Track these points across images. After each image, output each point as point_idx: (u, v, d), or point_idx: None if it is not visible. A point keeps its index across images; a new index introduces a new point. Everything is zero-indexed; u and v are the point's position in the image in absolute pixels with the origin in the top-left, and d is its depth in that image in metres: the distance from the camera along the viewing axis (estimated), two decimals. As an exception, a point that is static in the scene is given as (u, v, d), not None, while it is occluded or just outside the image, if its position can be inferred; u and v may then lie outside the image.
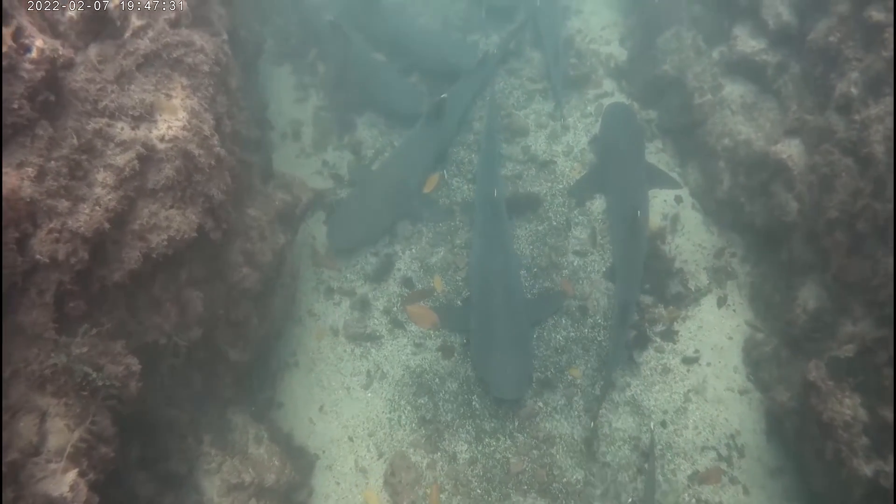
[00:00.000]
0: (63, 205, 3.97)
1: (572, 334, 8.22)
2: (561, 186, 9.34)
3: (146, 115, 4.67)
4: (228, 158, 5.45)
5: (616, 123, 9.38)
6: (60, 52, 3.86)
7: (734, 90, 8.59)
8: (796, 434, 6.88)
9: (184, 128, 4.79)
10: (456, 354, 8.08)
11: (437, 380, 7.92)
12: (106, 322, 4.56)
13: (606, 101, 10.11)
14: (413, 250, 8.84)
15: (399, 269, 8.69)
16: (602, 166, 9.31)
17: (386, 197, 8.83)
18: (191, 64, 5.02)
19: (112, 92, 4.50)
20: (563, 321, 8.30)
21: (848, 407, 5.90)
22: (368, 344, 8.18)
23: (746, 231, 8.55)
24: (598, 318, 8.32)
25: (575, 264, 8.71)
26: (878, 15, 6.46)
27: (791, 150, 7.58)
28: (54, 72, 3.86)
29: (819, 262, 7.24)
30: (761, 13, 8.17)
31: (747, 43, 8.38)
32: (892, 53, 6.38)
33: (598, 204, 9.17)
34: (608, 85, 10.38)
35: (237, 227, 5.98)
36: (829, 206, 6.88)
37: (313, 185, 9.17)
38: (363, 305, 8.40)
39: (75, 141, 4.04)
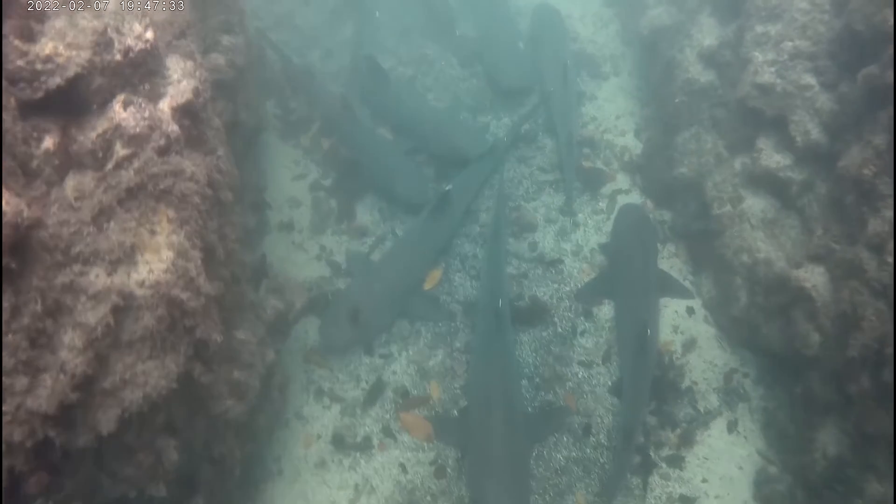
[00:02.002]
0: (20, 382, 3.50)
1: (574, 454, 7.71)
2: (568, 289, 8.90)
3: (125, 258, 4.21)
4: (219, 289, 5.01)
5: (629, 228, 8.97)
6: (26, 215, 3.41)
7: (755, 204, 8.18)
8: None
9: (167, 270, 4.33)
10: (450, 471, 7.56)
11: (428, 498, 7.39)
12: (68, 486, 4.10)
13: (619, 198, 9.72)
14: (410, 352, 8.37)
15: (395, 373, 8.21)
16: (612, 271, 8.89)
17: (385, 295, 8.38)
18: (179, 194, 4.57)
19: (88, 235, 4.05)
20: (565, 439, 7.81)
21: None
22: (358, 454, 7.67)
23: (761, 352, 8.11)
24: (601, 437, 7.82)
25: (580, 376, 8.24)
26: (921, 159, 6.08)
27: (815, 279, 7.15)
28: (17, 237, 3.40)
29: (840, 403, 6.79)
30: (789, 128, 7.77)
31: (772, 157, 7.97)
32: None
33: (606, 311, 8.72)
34: (622, 180, 9.99)
35: (223, 353, 5.51)
36: (853, 344, 6.46)
37: (309, 272, 8.81)
38: (354, 412, 7.91)
39: (39, 307, 3.58)
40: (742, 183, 8.39)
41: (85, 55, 4.15)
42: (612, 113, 10.84)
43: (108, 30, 4.35)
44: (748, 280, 8.06)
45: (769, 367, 8.07)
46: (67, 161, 4.24)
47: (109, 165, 4.31)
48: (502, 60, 11.11)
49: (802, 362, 7.29)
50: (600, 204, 9.76)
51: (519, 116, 10.63)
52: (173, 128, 4.60)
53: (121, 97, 4.42)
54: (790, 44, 7.87)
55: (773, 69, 7.95)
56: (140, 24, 4.61)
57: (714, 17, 9.42)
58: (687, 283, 8.90)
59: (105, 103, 4.39)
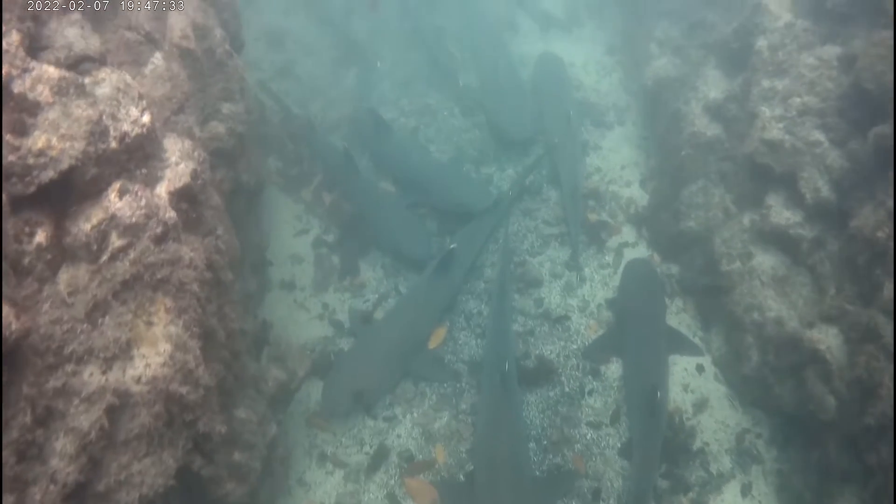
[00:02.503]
0: (7, 501, 3.34)
1: (583, 521, 7.53)
2: (575, 346, 8.73)
3: (121, 354, 4.07)
4: (219, 374, 4.86)
5: (636, 283, 8.83)
6: (14, 328, 3.27)
7: (765, 261, 8.02)
8: None
9: (164, 364, 4.19)
10: (456, 540, 7.37)
11: (435, 568, 7.21)
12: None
13: (626, 251, 9.58)
14: (414, 415, 8.18)
15: (399, 436, 8.02)
16: (620, 328, 8.72)
17: (388, 362, 8.21)
18: (177, 283, 4.44)
19: (81, 333, 3.91)
20: (574, 504, 7.62)
21: None
22: (362, 523, 7.49)
23: (774, 412, 7.92)
24: (611, 502, 7.61)
25: (588, 437, 8.03)
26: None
27: (829, 341, 6.99)
28: (5, 349, 3.27)
29: (859, 471, 6.60)
30: (798, 185, 7.63)
31: (781, 214, 7.83)
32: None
33: (614, 369, 8.54)
34: (628, 232, 9.85)
35: (223, 437, 5.34)
36: (870, 412, 6.29)
37: (311, 332, 8.66)
38: (357, 478, 7.71)
39: (28, 418, 3.44)
40: (751, 239, 8.24)
41: (79, 146, 4.03)
42: (616, 163, 10.73)
43: (103, 117, 4.23)
44: (759, 338, 7.88)
45: (782, 427, 7.88)
46: (60, 255, 4.11)
47: (104, 257, 4.17)
48: (506, 110, 11.01)
49: (817, 425, 7.10)
50: (606, 258, 9.61)
51: (523, 168, 10.52)
52: (170, 214, 4.47)
53: (116, 185, 4.30)
54: (798, 99, 7.77)
55: (781, 125, 7.84)
56: (136, 107, 4.49)
57: (719, 70, 9.33)
58: (696, 340, 8.73)
59: (100, 192, 4.26)
